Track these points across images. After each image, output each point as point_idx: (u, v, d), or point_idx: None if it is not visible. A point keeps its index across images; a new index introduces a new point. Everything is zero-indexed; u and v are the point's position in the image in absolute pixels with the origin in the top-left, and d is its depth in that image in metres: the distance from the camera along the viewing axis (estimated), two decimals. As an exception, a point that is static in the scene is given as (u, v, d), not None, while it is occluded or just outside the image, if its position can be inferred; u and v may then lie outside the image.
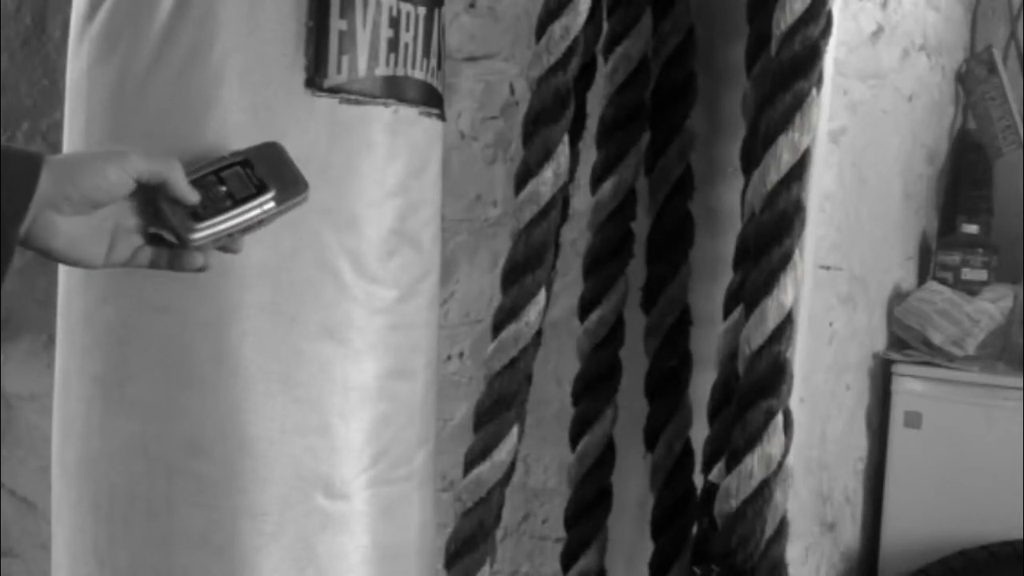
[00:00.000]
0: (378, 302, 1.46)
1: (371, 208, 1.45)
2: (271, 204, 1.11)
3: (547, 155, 1.67)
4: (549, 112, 1.67)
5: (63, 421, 1.47)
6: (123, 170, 1.07)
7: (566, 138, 1.69)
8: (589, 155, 1.84)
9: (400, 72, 1.46)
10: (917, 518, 2.39)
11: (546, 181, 1.67)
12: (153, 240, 1.12)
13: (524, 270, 1.67)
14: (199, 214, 1.09)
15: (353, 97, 1.41)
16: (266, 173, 1.12)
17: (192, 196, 1.09)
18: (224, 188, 1.10)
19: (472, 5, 2.19)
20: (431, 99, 1.51)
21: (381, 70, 1.43)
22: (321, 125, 1.39)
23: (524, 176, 1.68)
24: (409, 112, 1.48)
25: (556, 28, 1.66)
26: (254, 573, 1.38)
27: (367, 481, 1.45)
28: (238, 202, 1.11)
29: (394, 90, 1.45)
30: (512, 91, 2.16)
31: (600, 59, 1.83)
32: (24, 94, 2.73)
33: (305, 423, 1.40)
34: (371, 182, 1.45)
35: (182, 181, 1.08)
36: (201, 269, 1.14)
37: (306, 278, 1.39)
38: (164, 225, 1.10)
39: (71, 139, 1.46)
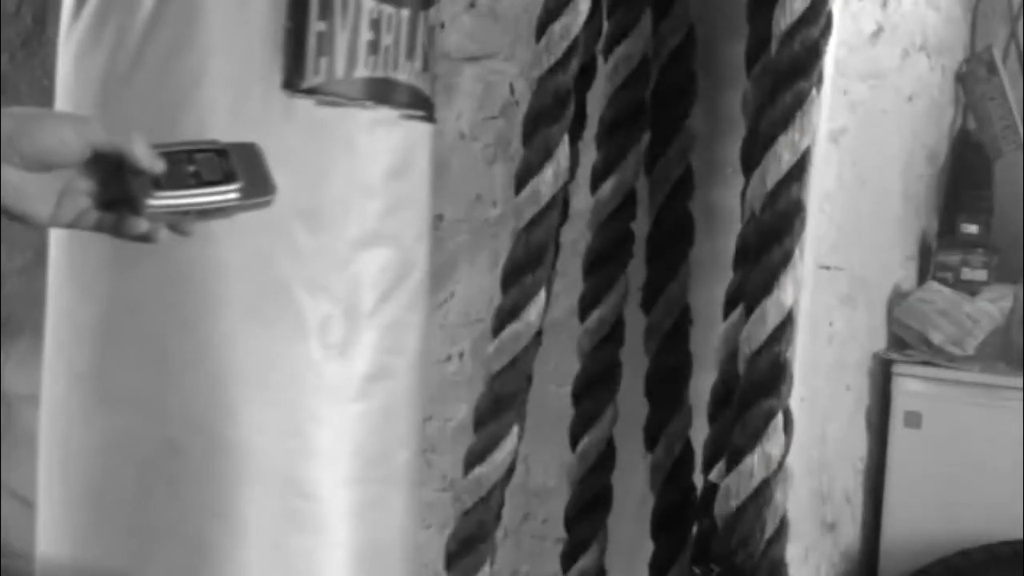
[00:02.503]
0: (355, 303, 1.47)
1: (348, 209, 1.45)
2: (235, 195, 1.10)
3: (547, 155, 1.67)
4: (549, 112, 1.67)
5: (47, 415, 1.50)
6: (80, 135, 1.06)
7: (566, 138, 1.69)
8: (589, 155, 1.84)
9: (380, 74, 1.46)
10: (917, 518, 2.39)
11: (546, 181, 1.67)
12: (103, 205, 1.11)
13: (524, 270, 1.68)
14: (161, 184, 1.08)
15: (330, 98, 1.42)
16: (239, 167, 1.11)
17: (156, 163, 1.08)
18: (192, 167, 1.10)
19: (472, 5, 2.19)
20: (415, 101, 1.52)
21: (360, 72, 1.44)
22: (298, 126, 1.40)
23: (524, 176, 1.68)
24: (390, 114, 1.48)
25: (556, 28, 1.66)
26: (223, 571, 1.40)
27: (340, 481, 1.46)
28: (202, 183, 1.10)
29: (373, 92, 1.46)
30: (512, 91, 2.16)
31: (600, 59, 1.83)
32: (24, 94, 2.73)
33: (278, 425, 1.42)
34: (348, 183, 1.45)
35: (143, 151, 1.07)
36: (145, 238, 1.11)
37: (280, 279, 1.40)
38: (122, 191, 1.09)
39: None
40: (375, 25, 1.44)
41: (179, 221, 1.12)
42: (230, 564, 1.40)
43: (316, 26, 1.40)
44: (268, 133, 1.37)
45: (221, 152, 1.12)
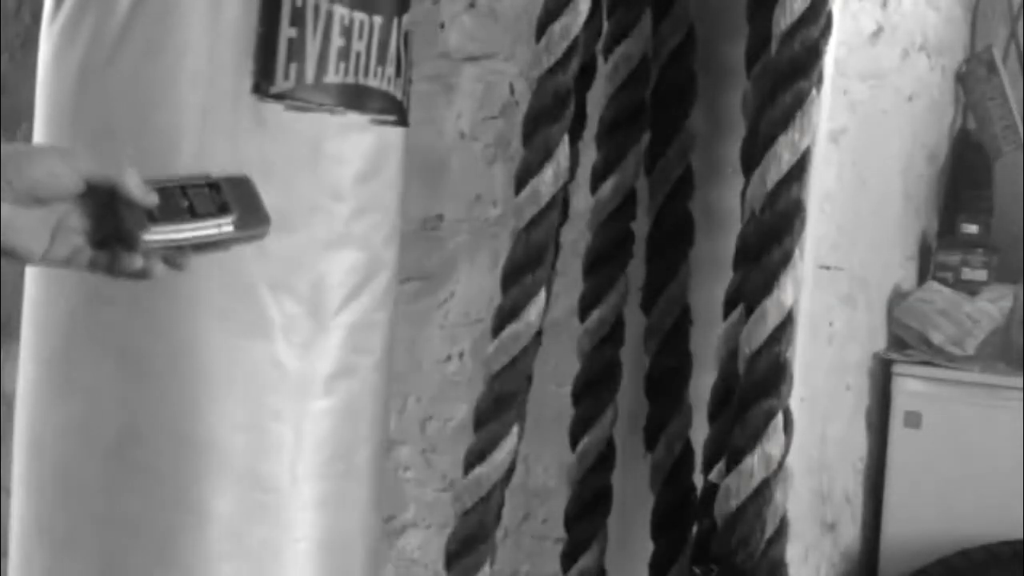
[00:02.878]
0: (321, 303, 1.48)
1: (315, 211, 1.47)
2: (229, 227, 1.11)
3: (547, 155, 1.67)
4: (549, 112, 1.67)
5: (20, 401, 1.52)
6: (71, 169, 1.05)
7: (566, 138, 1.69)
8: (589, 155, 1.84)
9: (351, 80, 1.48)
10: (917, 518, 2.39)
11: (546, 181, 1.67)
12: (97, 243, 1.11)
13: (524, 270, 1.68)
14: (155, 217, 1.08)
15: (299, 104, 1.44)
16: (232, 199, 1.12)
17: (149, 197, 1.07)
18: (186, 202, 1.10)
19: (472, 5, 2.19)
20: (387, 107, 1.53)
21: (330, 78, 1.46)
22: (267, 129, 1.42)
23: (524, 176, 1.68)
24: (360, 119, 1.50)
25: (556, 28, 1.66)
26: (183, 561, 1.42)
27: (302, 476, 1.48)
28: (197, 216, 1.10)
29: (343, 97, 1.48)
30: (512, 91, 2.16)
31: (600, 59, 1.83)
32: (24, 95, 2.73)
33: (241, 420, 1.44)
34: (316, 186, 1.47)
35: (135, 183, 1.07)
36: (141, 274, 1.11)
37: (247, 278, 1.42)
38: (116, 226, 1.08)
39: (39, 128, 1.51)
40: (346, 32, 1.46)
41: (174, 255, 1.12)
42: (194, 556, 1.42)
43: (287, 32, 1.42)
44: (238, 136, 1.40)
45: (214, 185, 1.12)
